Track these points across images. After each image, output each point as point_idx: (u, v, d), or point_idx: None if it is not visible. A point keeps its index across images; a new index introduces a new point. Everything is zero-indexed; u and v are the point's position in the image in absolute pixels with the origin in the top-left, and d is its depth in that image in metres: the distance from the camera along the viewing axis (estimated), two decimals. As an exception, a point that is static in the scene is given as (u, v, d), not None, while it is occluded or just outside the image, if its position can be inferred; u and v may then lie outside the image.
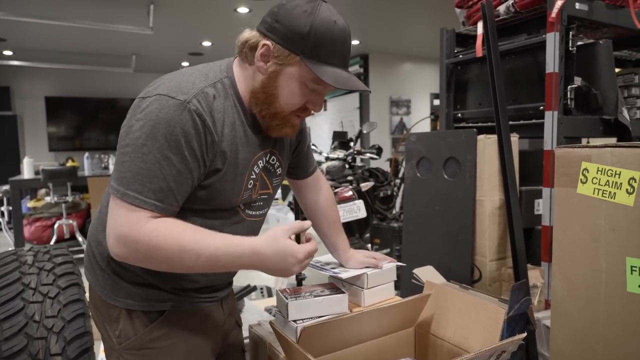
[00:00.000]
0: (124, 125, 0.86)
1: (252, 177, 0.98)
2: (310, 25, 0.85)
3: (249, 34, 0.92)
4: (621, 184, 0.95)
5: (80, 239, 4.42)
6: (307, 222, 0.94)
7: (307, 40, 0.85)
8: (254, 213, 1.04)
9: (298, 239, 0.96)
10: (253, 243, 0.85)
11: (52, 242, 4.40)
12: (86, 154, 4.98)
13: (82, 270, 1.24)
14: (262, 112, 0.93)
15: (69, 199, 4.36)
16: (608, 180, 0.97)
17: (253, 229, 1.06)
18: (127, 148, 0.83)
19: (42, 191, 5.00)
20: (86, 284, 1.24)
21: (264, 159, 1.01)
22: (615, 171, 0.96)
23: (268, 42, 0.88)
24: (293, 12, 0.86)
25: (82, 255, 4.19)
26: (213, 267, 0.85)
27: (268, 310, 2.17)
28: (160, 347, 0.96)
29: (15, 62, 6.38)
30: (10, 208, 4.51)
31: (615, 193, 0.96)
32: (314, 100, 0.94)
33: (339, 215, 1.32)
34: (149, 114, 0.82)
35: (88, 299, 1.08)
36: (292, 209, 3.31)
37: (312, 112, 0.97)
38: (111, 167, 5.01)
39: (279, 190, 4.42)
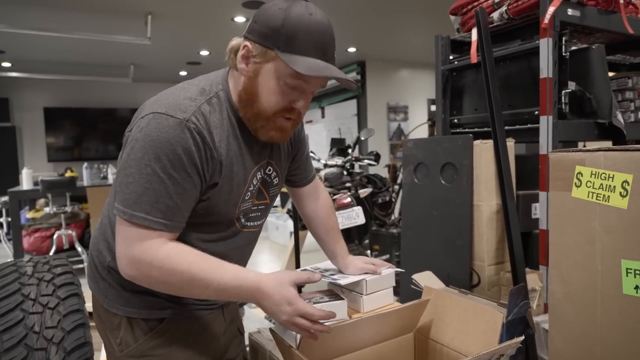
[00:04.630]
0: (125, 146, 0.87)
1: (250, 189, 0.98)
2: (282, 19, 0.84)
3: (235, 41, 0.93)
4: (615, 187, 0.96)
5: (79, 249, 4.41)
6: (317, 276, 0.94)
7: (280, 33, 0.84)
8: (251, 224, 1.04)
9: (300, 289, 0.95)
10: (259, 282, 0.86)
11: (51, 253, 4.39)
12: (85, 164, 4.98)
13: (82, 281, 1.25)
14: (247, 114, 0.92)
15: (68, 209, 4.36)
16: (602, 184, 0.99)
17: (250, 240, 1.07)
18: (130, 169, 0.83)
19: (41, 202, 5.00)
20: (87, 294, 1.24)
21: (261, 170, 1.01)
22: (609, 174, 0.97)
23: (247, 43, 0.88)
24: (269, 10, 0.87)
25: (81, 266, 4.19)
26: (219, 296, 0.88)
27: (268, 318, 2.17)
28: (159, 354, 0.97)
29: (14, 74, 6.40)
30: (10, 219, 4.51)
31: (609, 196, 0.97)
32: (297, 98, 0.91)
33: (338, 222, 1.32)
34: (149, 134, 0.83)
35: (91, 308, 1.09)
36: (291, 216, 3.31)
37: (299, 111, 0.93)
38: (110, 177, 5.01)
39: (278, 198, 4.42)
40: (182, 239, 0.93)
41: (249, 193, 0.98)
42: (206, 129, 0.87)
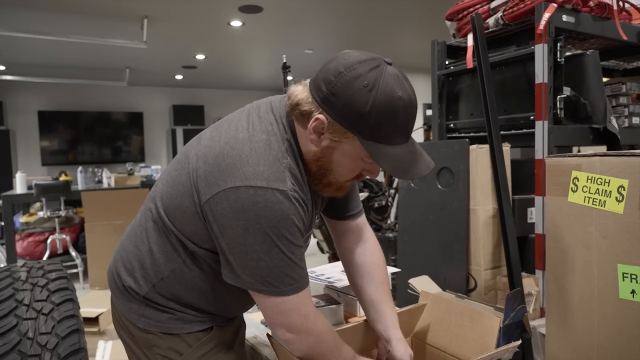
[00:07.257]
0: (233, 227, 0.80)
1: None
2: (370, 105, 0.75)
3: (301, 94, 0.83)
4: (610, 192, 0.97)
5: (73, 254, 4.37)
6: None
7: (367, 121, 0.76)
8: None
9: None
10: None
11: (44, 258, 4.35)
12: (79, 168, 4.95)
13: (77, 286, 1.24)
14: (315, 180, 0.90)
15: (62, 213, 4.32)
16: (598, 189, 0.99)
17: None
18: (257, 254, 0.80)
19: (36, 206, 4.96)
20: (81, 299, 1.23)
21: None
22: (605, 179, 0.98)
23: (321, 117, 0.80)
24: (353, 85, 0.76)
25: (75, 271, 4.16)
26: None
27: (264, 322, 2.16)
28: None
29: (8, 77, 6.37)
30: (3, 223, 4.47)
31: (605, 201, 0.98)
32: (369, 168, 0.87)
33: (388, 278, 1.15)
34: (263, 210, 0.78)
35: (85, 314, 1.07)
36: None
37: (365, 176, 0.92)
38: (105, 180, 4.97)
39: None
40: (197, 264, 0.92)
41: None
42: (300, 190, 0.84)
